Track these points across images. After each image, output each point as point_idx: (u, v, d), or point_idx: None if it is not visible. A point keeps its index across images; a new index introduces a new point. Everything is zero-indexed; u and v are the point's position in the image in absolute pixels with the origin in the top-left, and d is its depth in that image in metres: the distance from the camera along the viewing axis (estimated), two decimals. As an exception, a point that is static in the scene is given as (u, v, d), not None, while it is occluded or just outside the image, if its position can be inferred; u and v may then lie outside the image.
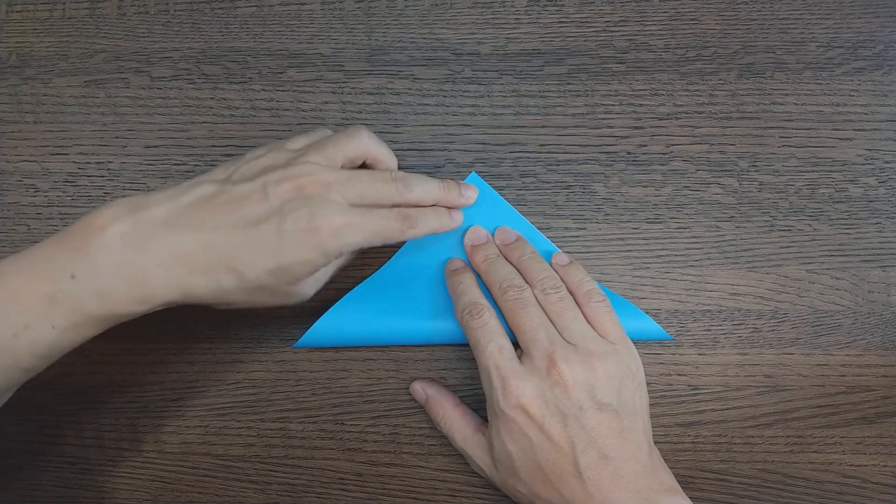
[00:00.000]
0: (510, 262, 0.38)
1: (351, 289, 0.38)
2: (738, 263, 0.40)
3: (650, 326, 0.38)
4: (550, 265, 0.38)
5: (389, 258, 0.39)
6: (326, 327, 0.37)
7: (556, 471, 0.32)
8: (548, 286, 0.36)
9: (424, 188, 0.35)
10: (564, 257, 0.39)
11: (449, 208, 0.37)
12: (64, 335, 0.30)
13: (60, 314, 0.30)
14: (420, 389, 0.39)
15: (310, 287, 0.34)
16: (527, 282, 0.37)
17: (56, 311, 0.30)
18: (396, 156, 0.41)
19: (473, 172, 0.40)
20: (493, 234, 0.39)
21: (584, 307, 0.36)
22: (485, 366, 0.34)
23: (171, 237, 0.30)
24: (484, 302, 0.36)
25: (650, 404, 0.38)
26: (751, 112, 0.40)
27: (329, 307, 0.37)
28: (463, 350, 0.40)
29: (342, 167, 0.34)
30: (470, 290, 0.37)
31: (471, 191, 0.38)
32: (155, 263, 0.30)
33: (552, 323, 0.35)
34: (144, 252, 0.30)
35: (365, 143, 0.35)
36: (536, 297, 0.36)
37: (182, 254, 0.30)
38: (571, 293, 0.37)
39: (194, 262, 0.30)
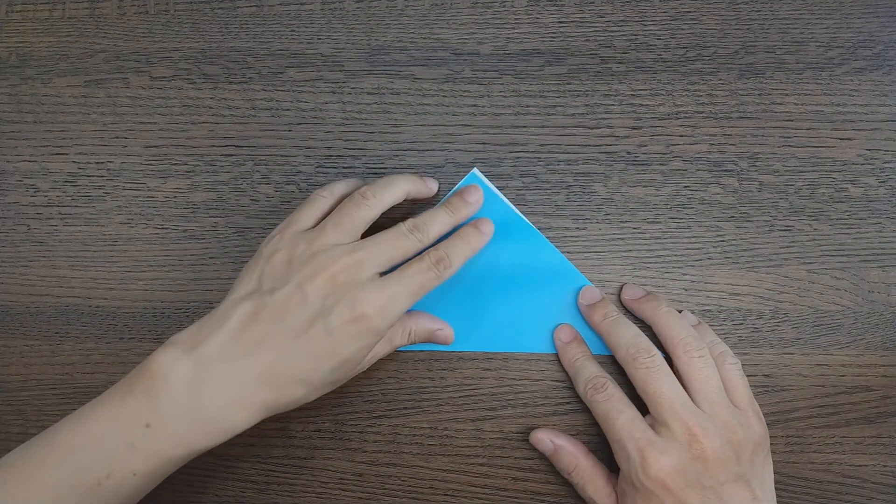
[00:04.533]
0: (644, 317, 0.38)
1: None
2: (738, 263, 0.40)
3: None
4: None
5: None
6: None
7: None
8: (692, 348, 0.35)
9: (438, 223, 0.35)
10: (693, 317, 0.38)
11: (476, 225, 0.37)
12: (145, 479, 0.31)
13: (140, 461, 0.31)
14: (547, 440, 0.38)
15: (367, 364, 0.36)
16: (663, 339, 0.37)
17: (136, 459, 0.31)
18: (396, 156, 0.41)
19: (475, 169, 0.40)
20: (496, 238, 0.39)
21: (719, 368, 0.36)
22: (618, 438, 0.34)
23: (231, 369, 0.31)
24: (605, 374, 0.37)
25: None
26: (751, 112, 0.40)
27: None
28: (464, 352, 0.40)
29: (363, 234, 0.35)
30: (588, 364, 0.37)
31: (474, 193, 0.38)
32: (222, 400, 0.31)
33: (687, 390, 0.35)
34: (209, 391, 0.31)
35: (378, 206, 0.35)
36: (677, 358, 0.36)
37: (246, 382, 0.31)
38: None
39: (260, 386, 0.31)
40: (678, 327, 0.36)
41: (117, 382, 0.32)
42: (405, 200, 0.37)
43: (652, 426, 0.34)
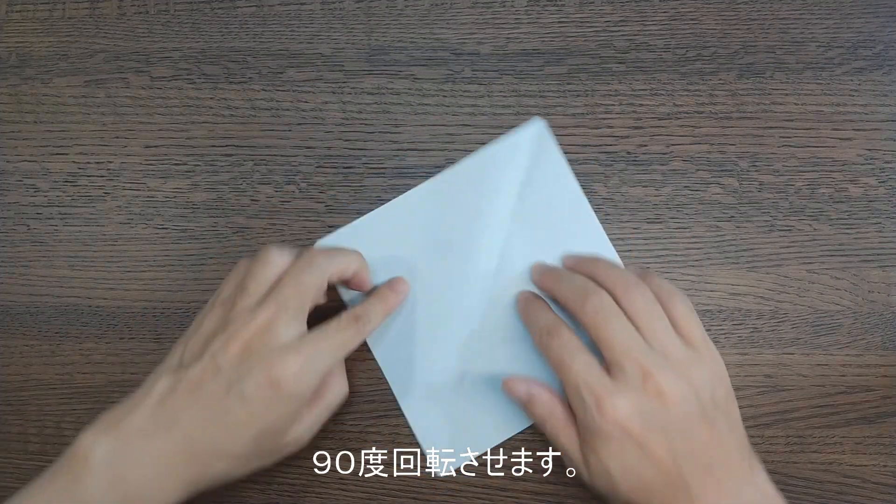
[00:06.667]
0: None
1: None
2: (738, 263, 0.40)
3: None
4: None
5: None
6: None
7: (661, 487, 0.31)
8: (630, 284, 0.34)
9: (342, 257, 0.35)
10: (638, 268, 0.38)
11: (391, 285, 0.37)
12: None
13: None
14: (523, 389, 0.35)
15: (304, 433, 0.34)
16: (601, 283, 0.35)
17: None
18: (396, 156, 0.41)
19: (536, 117, 0.40)
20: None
21: (668, 310, 0.34)
22: (573, 383, 0.32)
23: (150, 445, 0.31)
24: (560, 321, 0.35)
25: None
26: (751, 112, 0.40)
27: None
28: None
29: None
30: (544, 312, 0.36)
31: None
32: (144, 477, 0.30)
33: (637, 329, 0.33)
34: (131, 468, 0.30)
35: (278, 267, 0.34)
36: (618, 299, 0.34)
37: (166, 458, 0.31)
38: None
39: (181, 461, 0.31)
40: (613, 271, 0.35)
41: (41, 474, 0.31)
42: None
43: (607, 371, 0.32)
